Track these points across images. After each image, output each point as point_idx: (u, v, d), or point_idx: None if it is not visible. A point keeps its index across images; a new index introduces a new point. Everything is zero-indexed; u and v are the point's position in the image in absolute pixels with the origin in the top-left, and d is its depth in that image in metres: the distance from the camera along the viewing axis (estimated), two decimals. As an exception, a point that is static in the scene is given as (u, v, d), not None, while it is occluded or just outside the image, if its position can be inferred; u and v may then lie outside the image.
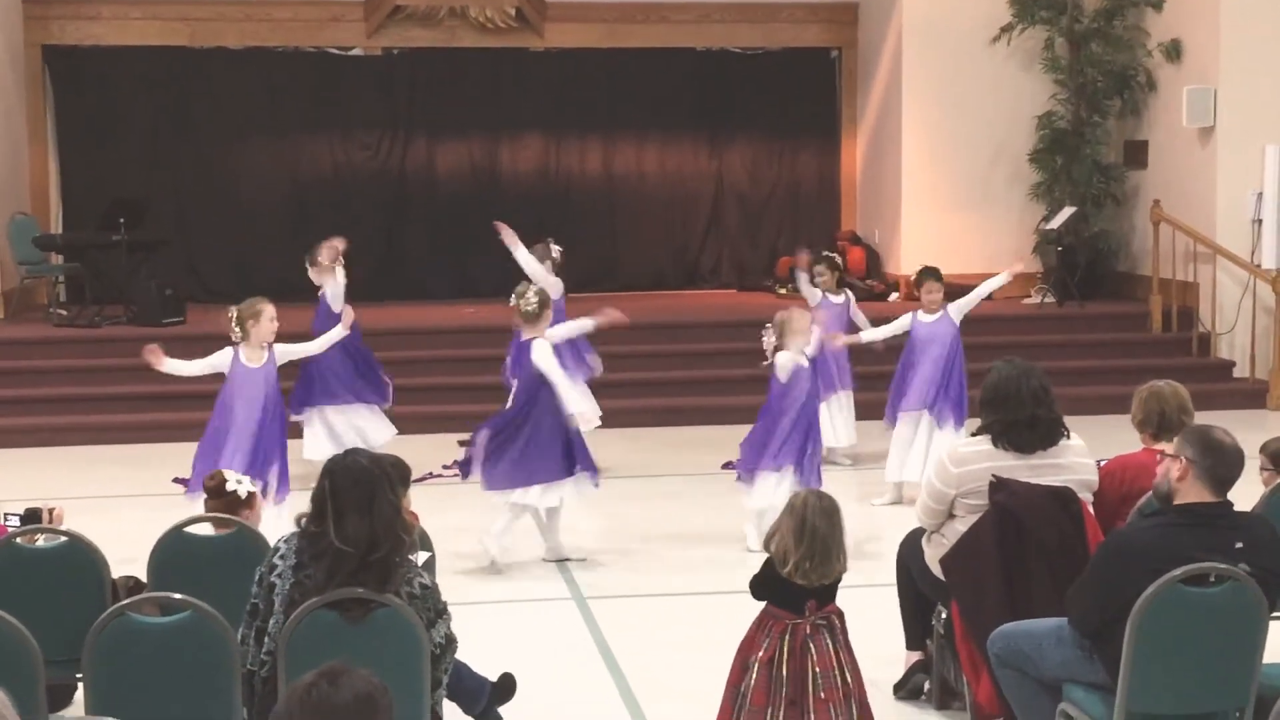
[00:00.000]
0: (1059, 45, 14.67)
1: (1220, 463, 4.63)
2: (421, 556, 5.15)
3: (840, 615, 4.58)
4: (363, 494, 4.27)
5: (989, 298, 9.61)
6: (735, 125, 16.68)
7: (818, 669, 4.46)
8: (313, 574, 4.28)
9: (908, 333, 9.37)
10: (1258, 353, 13.06)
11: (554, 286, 9.42)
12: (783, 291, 14.96)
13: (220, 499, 5.62)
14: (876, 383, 10.37)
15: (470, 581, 7.67)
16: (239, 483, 5.69)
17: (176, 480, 9.88)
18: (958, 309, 9.25)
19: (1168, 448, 4.72)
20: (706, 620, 7.00)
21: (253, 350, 7.80)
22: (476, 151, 16.35)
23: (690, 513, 9.26)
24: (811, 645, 4.47)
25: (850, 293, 10.86)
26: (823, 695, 4.46)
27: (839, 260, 11.41)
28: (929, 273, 9.39)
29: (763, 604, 4.64)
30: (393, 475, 4.46)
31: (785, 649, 4.47)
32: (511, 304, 8.10)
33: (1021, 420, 5.38)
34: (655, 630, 7.02)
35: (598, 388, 10.41)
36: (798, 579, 4.49)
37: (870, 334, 9.73)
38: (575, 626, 7.08)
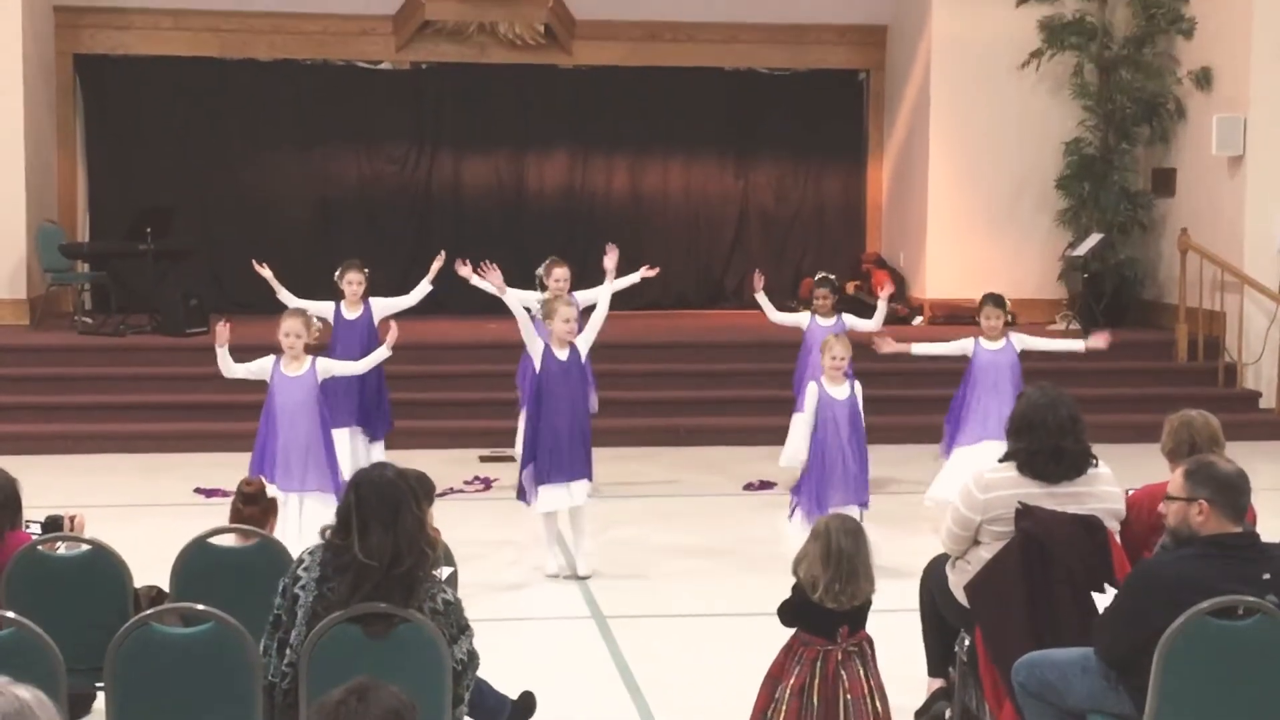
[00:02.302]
0: (1088, 71, 14.65)
1: (1236, 492, 4.62)
2: (444, 572, 5.14)
3: (870, 642, 4.57)
4: (387, 508, 4.27)
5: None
6: (761, 145, 16.69)
7: (849, 696, 4.45)
8: (336, 587, 4.28)
9: (966, 358, 9.05)
10: (1284, 384, 13.01)
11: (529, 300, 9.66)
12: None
13: (256, 505, 5.61)
14: (923, 406, 10.39)
15: (491, 598, 7.65)
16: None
17: (198, 490, 9.97)
18: (1020, 340, 8.93)
19: (1176, 489, 4.67)
20: (728, 643, 6.97)
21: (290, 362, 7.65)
22: (502, 167, 16.38)
23: (712, 534, 9.21)
24: (843, 672, 4.47)
25: (845, 317, 10.13)
26: (853, 722, 4.45)
27: (836, 281, 10.87)
28: (991, 299, 9.01)
29: (790, 630, 4.62)
30: (417, 490, 4.47)
31: (817, 676, 4.46)
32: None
33: (1045, 450, 5.32)
34: (677, 652, 6.98)
35: (623, 405, 10.37)
36: (829, 602, 4.47)
37: (924, 348, 9.20)
38: (596, 646, 7.04)
